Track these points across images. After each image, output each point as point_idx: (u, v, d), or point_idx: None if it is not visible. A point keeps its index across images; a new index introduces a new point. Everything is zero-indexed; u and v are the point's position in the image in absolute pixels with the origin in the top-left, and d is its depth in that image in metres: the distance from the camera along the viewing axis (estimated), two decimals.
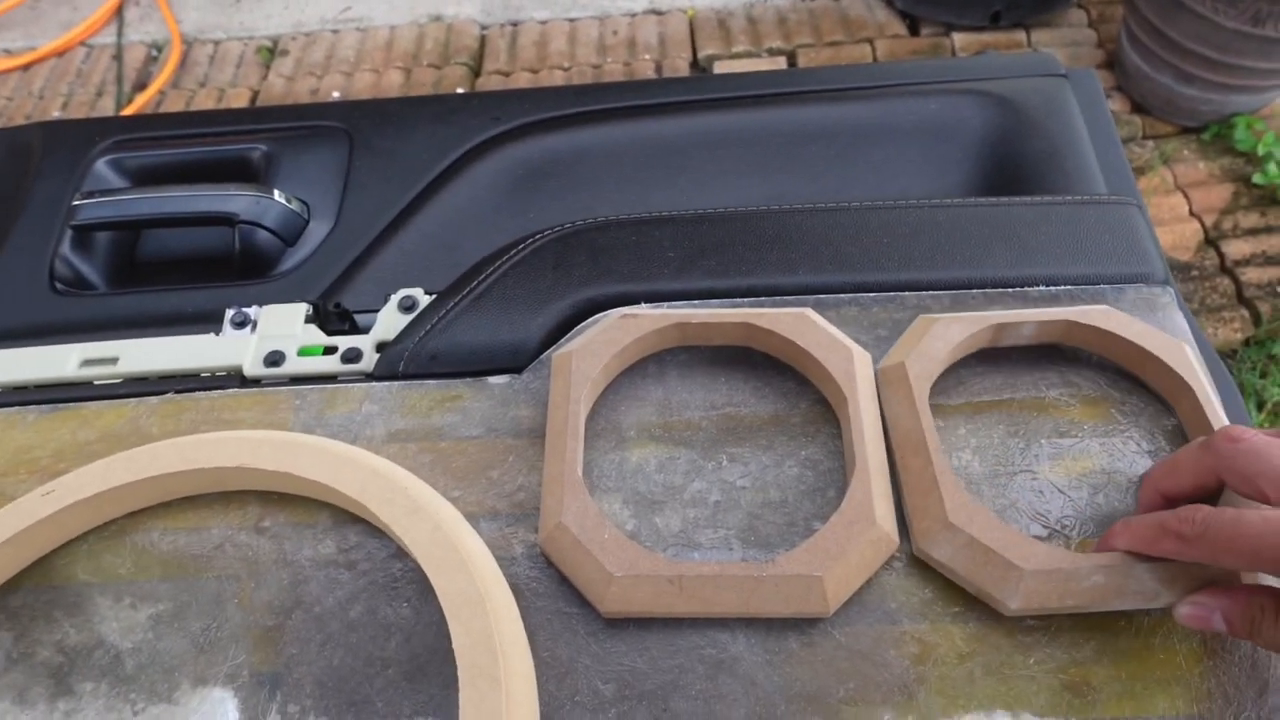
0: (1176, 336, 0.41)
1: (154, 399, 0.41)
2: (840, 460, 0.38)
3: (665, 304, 0.42)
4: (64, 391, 0.43)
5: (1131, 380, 0.41)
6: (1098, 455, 0.38)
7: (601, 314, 0.42)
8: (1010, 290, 0.43)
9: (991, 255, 0.44)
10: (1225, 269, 1.31)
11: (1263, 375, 1.25)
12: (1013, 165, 0.54)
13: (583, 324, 0.42)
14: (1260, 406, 1.24)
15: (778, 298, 0.43)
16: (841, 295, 0.43)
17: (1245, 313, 1.28)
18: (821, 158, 0.55)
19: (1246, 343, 1.28)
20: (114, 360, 0.43)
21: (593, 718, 0.33)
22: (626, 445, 0.39)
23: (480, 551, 0.34)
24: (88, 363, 0.43)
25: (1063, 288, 0.43)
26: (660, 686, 0.33)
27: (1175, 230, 1.34)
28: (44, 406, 0.42)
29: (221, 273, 0.54)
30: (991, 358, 0.42)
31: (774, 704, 0.33)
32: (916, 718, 0.33)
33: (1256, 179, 1.38)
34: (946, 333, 0.40)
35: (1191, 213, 1.37)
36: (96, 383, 0.43)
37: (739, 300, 0.43)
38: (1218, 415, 0.38)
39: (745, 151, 0.57)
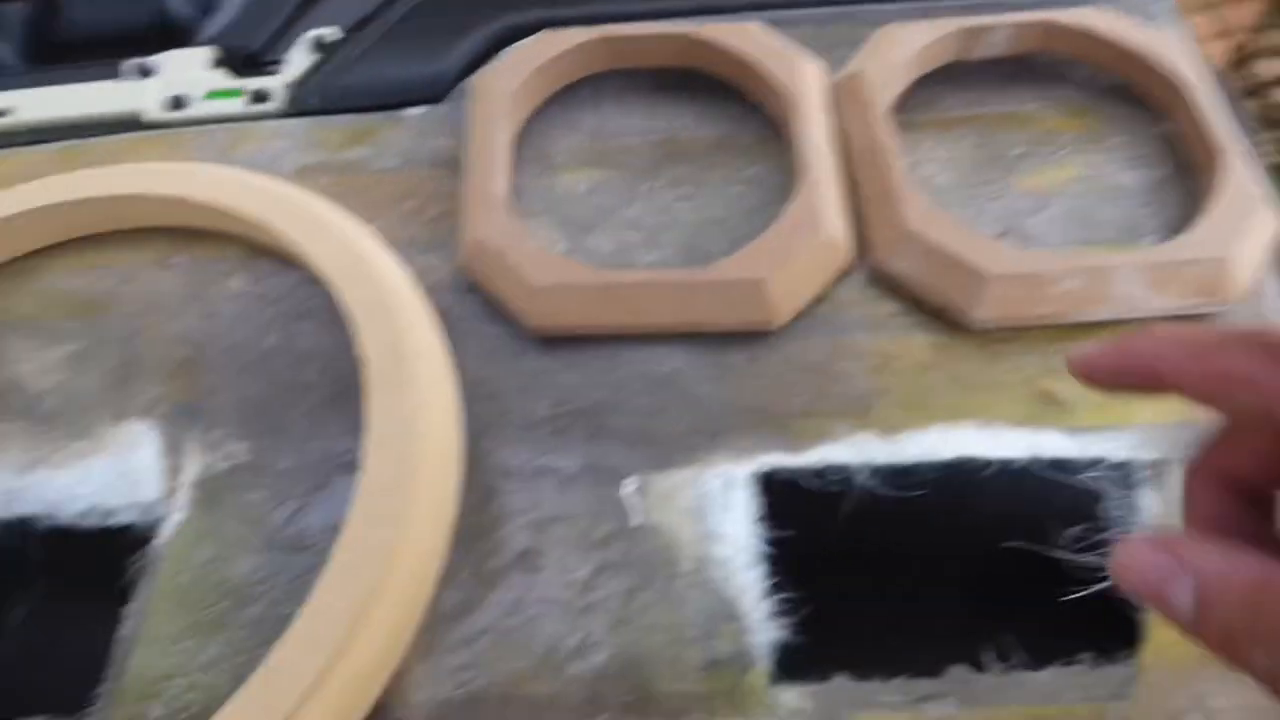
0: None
1: (53, 145, 0.38)
2: (791, 178, 0.35)
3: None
4: None
5: (1119, 92, 0.37)
6: (1078, 164, 0.35)
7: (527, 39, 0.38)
8: (984, 1, 0.39)
9: None
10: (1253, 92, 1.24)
11: None
12: None
13: (505, 49, 0.38)
14: None
15: (726, 16, 0.39)
16: (795, 12, 0.38)
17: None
18: None
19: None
20: (9, 111, 0.39)
21: (524, 435, 0.31)
22: (556, 171, 0.36)
23: (393, 267, 0.31)
24: None
25: None
26: (596, 403, 0.31)
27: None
28: None
29: (142, 48, 0.49)
30: (962, 73, 0.37)
31: (718, 417, 0.30)
32: (878, 429, 0.30)
33: None
34: (909, 40, 0.36)
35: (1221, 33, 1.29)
36: None
37: (682, 21, 0.39)
38: (1217, 123, 0.34)
39: None
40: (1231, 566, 0.16)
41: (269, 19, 0.45)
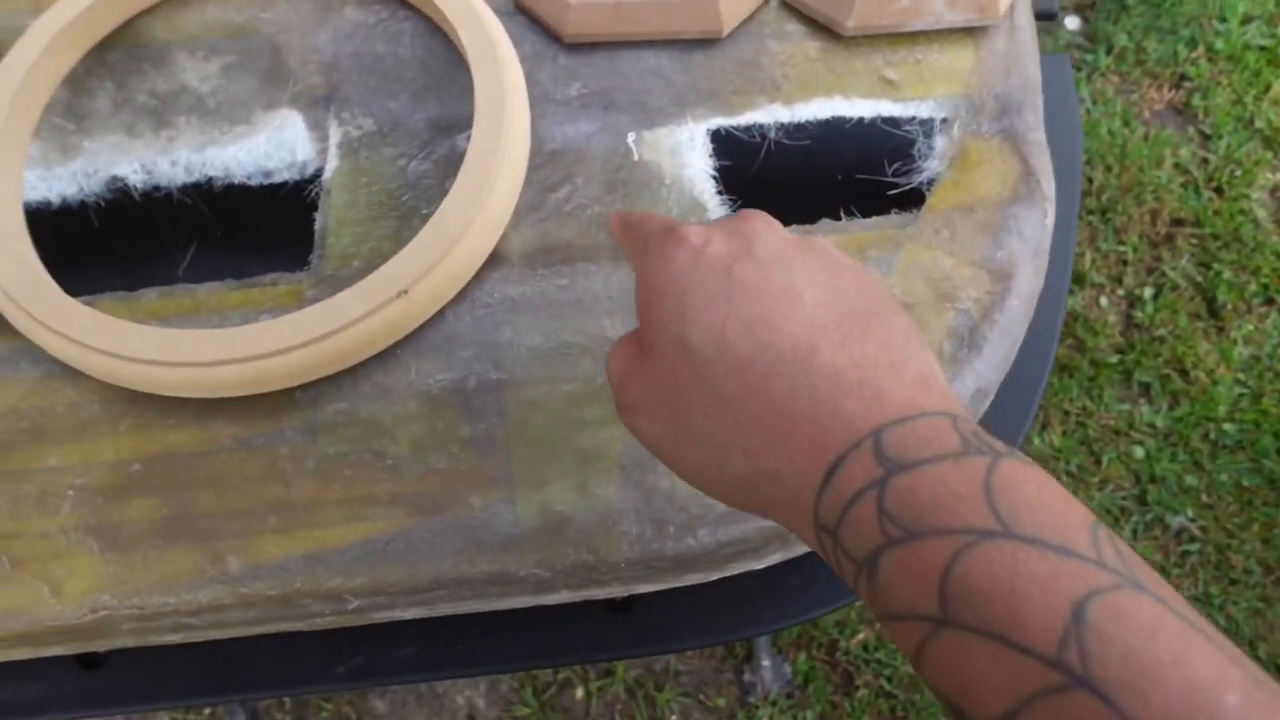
0: None
1: None
2: None
3: None
4: None
5: None
6: None
7: None
8: None
9: None
10: None
11: (1114, 21, 1.41)
12: None
13: None
14: (1109, 50, 1.40)
15: None
16: None
17: None
18: None
19: None
20: None
21: (560, 108, 0.48)
22: None
23: None
24: None
25: None
26: (607, 87, 0.48)
27: None
28: None
29: None
30: None
31: (685, 95, 0.48)
32: (783, 101, 0.48)
33: None
34: None
35: None
36: None
37: None
38: None
39: None
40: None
41: None
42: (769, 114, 0.48)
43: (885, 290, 0.29)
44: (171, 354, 0.38)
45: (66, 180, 0.48)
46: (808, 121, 0.48)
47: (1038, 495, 0.23)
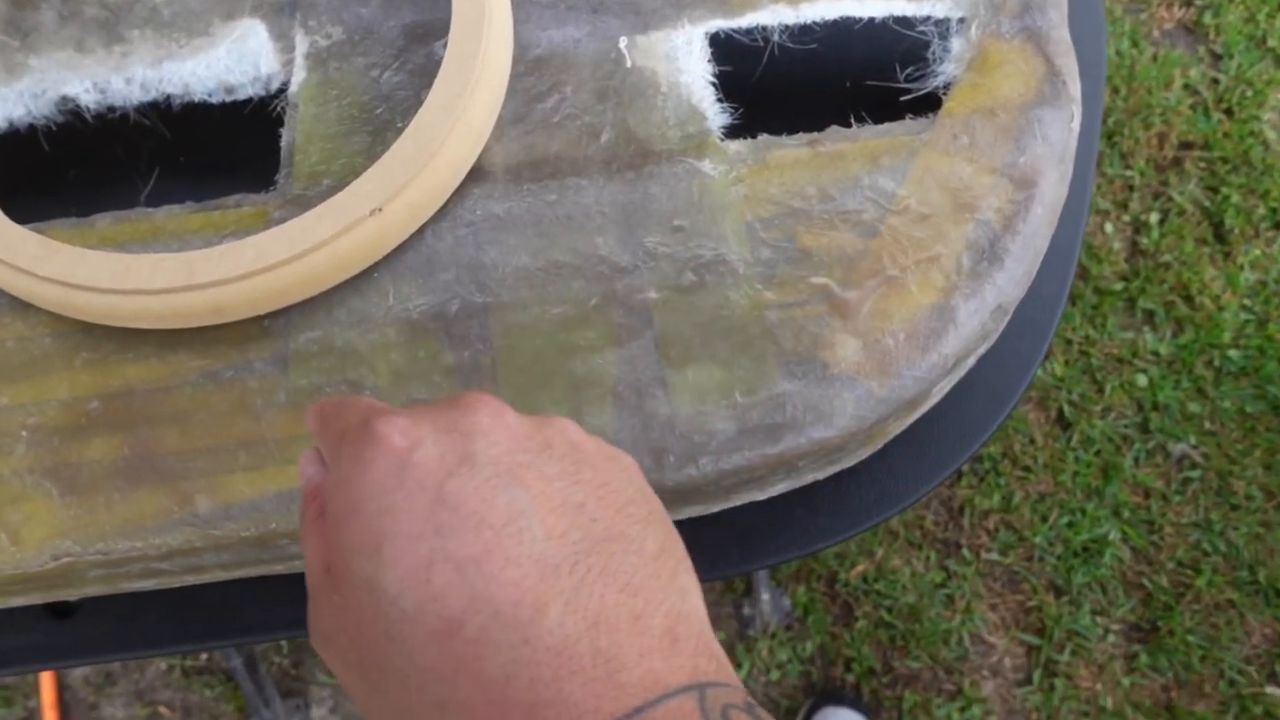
0: None
1: None
2: None
3: None
4: None
5: None
6: None
7: None
8: None
9: None
10: None
11: None
12: None
13: None
14: None
15: None
16: None
17: None
18: None
19: None
20: None
21: (544, 11, 0.44)
22: None
23: None
24: None
25: None
26: None
27: None
28: None
29: None
30: None
31: None
32: (788, 1, 0.44)
33: None
34: None
35: None
36: None
37: None
38: None
39: None
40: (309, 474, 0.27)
41: None
42: (772, 15, 0.44)
43: (637, 489, 0.24)
44: (126, 281, 0.35)
45: (12, 101, 0.45)
46: (814, 22, 0.45)
47: None
